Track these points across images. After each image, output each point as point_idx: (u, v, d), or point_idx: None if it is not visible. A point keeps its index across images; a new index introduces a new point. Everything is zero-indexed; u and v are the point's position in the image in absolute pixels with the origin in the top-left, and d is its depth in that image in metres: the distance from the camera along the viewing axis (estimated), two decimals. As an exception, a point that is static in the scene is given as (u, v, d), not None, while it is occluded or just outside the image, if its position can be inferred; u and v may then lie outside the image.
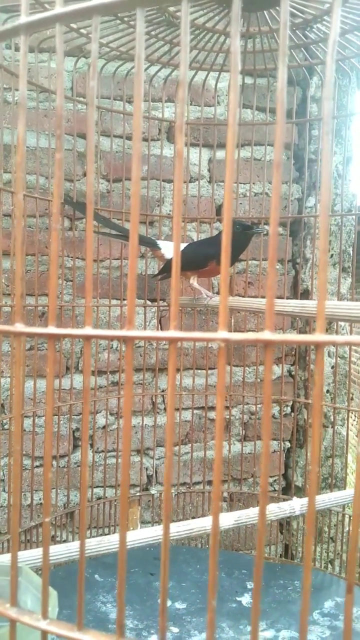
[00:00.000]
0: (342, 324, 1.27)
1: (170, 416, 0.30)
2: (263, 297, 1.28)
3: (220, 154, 1.26)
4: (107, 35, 0.95)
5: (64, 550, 0.66)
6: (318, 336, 0.27)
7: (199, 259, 0.98)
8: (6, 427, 1.11)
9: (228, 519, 0.73)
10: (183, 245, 1.03)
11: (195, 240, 1.25)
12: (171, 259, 0.98)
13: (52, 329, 0.31)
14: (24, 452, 1.15)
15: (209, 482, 1.29)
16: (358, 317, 0.43)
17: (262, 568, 0.29)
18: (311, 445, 0.28)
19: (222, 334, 0.28)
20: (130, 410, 0.30)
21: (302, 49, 0.95)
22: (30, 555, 0.64)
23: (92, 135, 0.30)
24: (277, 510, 0.76)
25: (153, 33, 0.92)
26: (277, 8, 0.72)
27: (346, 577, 0.29)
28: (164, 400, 1.28)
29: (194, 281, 1.02)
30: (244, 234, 0.98)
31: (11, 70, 0.93)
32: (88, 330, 0.30)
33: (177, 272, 0.30)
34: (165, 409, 1.28)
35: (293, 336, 0.28)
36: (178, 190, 0.28)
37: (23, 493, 1.13)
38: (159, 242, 1.06)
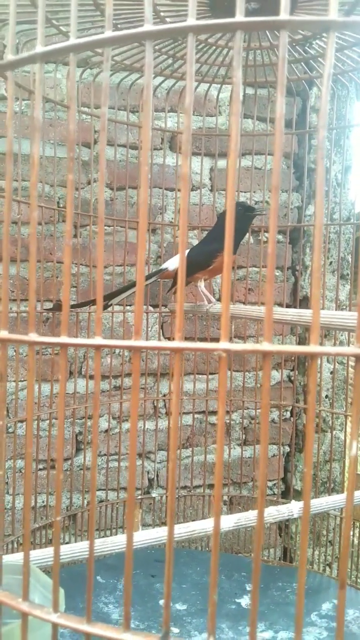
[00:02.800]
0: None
1: (174, 421, 0.32)
2: (263, 303, 1.30)
3: (221, 163, 1.28)
4: (112, 49, 0.98)
5: (68, 551, 0.68)
6: (312, 347, 0.29)
7: (206, 257, 0.97)
8: (11, 430, 1.13)
9: (228, 522, 0.75)
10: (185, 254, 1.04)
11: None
12: (177, 268, 1.00)
13: (64, 339, 0.33)
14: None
15: (210, 486, 1.31)
16: (352, 326, 0.45)
17: (260, 564, 0.31)
18: (305, 449, 0.30)
19: (224, 344, 0.30)
20: (137, 415, 0.32)
21: (302, 63, 0.98)
22: (36, 555, 0.66)
23: (104, 163, 0.32)
24: (275, 513, 0.78)
25: (157, 47, 0.94)
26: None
27: (338, 573, 0.31)
28: (165, 405, 1.30)
29: (201, 284, 1.02)
30: (245, 215, 0.98)
31: (18, 82, 0.95)
32: (99, 340, 0.32)
33: (182, 284, 0.32)
34: (166, 413, 1.30)
35: (289, 347, 0.30)
36: (183, 208, 0.30)
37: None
38: (163, 266, 1.07)
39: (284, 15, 0.29)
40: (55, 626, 0.35)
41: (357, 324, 0.30)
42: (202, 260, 0.98)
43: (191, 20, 0.31)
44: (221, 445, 0.32)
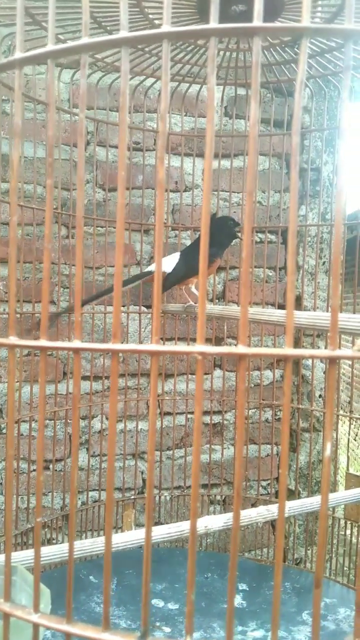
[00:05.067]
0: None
1: (152, 424, 0.32)
2: (256, 303, 1.31)
3: (214, 163, 1.29)
4: (103, 50, 0.98)
5: (58, 551, 0.69)
6: (286, 350, 0.29)
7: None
8: (4, 431, 1.14)
9: (218, 521, 0.75)
10: (177, 256, 1.04)
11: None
12: (170, 272, 1.01)
13: (43, 342, 0.33)
14: (22, 456, 1.17)
15: (203, 486, 1.31)
16: (326, 326, 0.46)
17: (236, 561, 0.31)
18: (281, 450, 0.31)
19: (199, 347, 0.30)
20: (115, 417, 0.33)
21: (292, 64, 0.98)
22: (26, 556, 0.67)
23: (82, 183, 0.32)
24: (266, 512, 0.78)
25: (147, 49, 0.95)
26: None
27: (315, 572, 0.31)
28: (159, 405, 1.31)
29: (192, 285, 1.04)
30: (234, 229, 1.07)
31: (9, 84, 0.96)
32: (77, 344, 0.33)
33: (159, 290, 0.32)
34: (160, 413, 1.30)
35: (264, 350, 0.30)
36: (159, 238, 0.31)
37: (20, 496, 1.15)
38: (149, 267, 1.08)
39: (256, 22, 0.30)
40: (36, 627, 0.35)
41: (331, 327, 0.31)
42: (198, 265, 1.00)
43: (166, 27, 0.31)
44: (198, 446, 0.33)
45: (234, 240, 1.10)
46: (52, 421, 1.15)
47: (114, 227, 1.21)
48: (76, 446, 0.35)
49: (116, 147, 1.23)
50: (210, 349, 0.31)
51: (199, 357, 0.31)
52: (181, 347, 0.32)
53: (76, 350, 0.33)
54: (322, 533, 0.33)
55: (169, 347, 0.31)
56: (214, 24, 0.30)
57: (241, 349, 0.30)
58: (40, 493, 0.35)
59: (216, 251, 1.05)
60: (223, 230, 1.04)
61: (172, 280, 1.01)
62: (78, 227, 0.33)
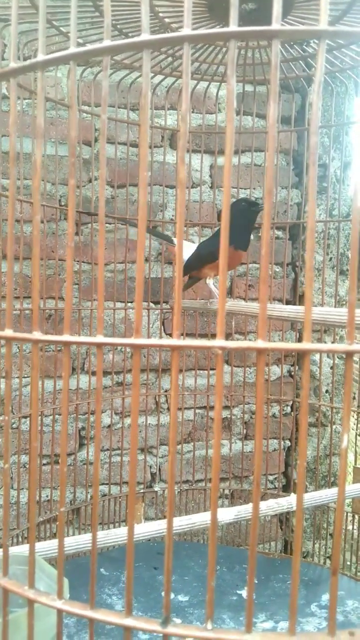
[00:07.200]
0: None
1: (173, 416, 0.33)
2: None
3: (221, 160, 1.29)
4: (123, 53, 0.99)
5: (73, 543, 0.70)
6: (304, 344, 0.30)
7: (214, 251, 0.98)
8: (14, 426, 1.15)
9: (228, 514, 0.76)
10: (194, 246, 1.06)
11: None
12: (189, 257, 1.01)
13: (67, 337, 0.34)
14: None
15: (211, 480, 1.32)
16: (343, 322, 0.46)
17: (255, 547, 0.32)
18: (299, 442, 0.31)
19: (219, 342, 0.31)
20: (137, 411, 0.34)
21: (300, 61, 0.99)
22: (41, 547, 0.68)
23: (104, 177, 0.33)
24: (275, 505, 0.79)
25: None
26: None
27: (331, 561, 0.32)
28: (167, 400, 1.32)
29: (210, 280, 1.03)
30: (250, 210, 0.99)
31: (19, 82, 0.96)
32: (100, 339, 0.34)
33: (180, 284, 0.33)
34: (168, 408, 1.31)
35: (282, 344, 0.31)
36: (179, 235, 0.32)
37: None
38: (175, 240, 1.08)
39: (275, 25, 0.30)
40: (60, 613, 0.36)
41: (348, 322, 0.32)
42: (209, 255, 0.99)
43: (187, 30, 0.32)
44: (218, 439, 0.34)
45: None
46: (61, 415, 1.16)
47: (122, 224, 1.22)
48: (98, 438, 0.36)
49: (124, 144, 1.24)
50: (230, 343, 0.32)
51: (219, 352, 0.32)
52: (202, 341, 0.33)
53: (99, 345, 0.34)
54: (338, 521, 0.34)
55: (190, 341, 0.32)
56: (234, 26, 0.31)
57: (260, 343, 0.31)
58: (64, 484, 0.36)
59: (238, 243, 0.96)
60: (240, 215, 0.95)
61: (186, 267, 1.01)
62: (100, 224, 0.34)
